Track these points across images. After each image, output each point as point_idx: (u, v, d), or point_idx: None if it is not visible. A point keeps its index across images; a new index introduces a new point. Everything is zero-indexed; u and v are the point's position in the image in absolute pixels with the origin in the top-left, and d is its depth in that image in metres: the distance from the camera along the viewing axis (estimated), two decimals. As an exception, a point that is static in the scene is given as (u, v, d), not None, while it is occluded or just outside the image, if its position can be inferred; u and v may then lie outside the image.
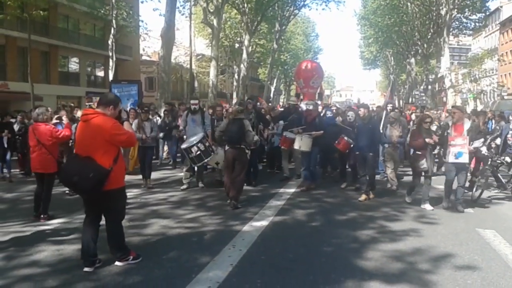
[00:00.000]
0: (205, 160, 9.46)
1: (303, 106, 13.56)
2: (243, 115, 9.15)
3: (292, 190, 10.18)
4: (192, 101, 10.94)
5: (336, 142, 10.15)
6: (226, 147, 8.91)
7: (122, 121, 7.43)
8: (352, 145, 9.89)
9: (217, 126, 10.19)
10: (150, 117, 11.72)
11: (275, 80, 31.38)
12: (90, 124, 5.15)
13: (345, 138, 10.01)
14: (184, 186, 10.20)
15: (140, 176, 10.68)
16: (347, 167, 11.01)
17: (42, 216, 7.43)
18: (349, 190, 10.22)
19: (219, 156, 9.59)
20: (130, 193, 9.45)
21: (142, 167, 10.67)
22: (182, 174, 10.58)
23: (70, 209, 8.03)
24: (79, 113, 10.44)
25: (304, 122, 10.56)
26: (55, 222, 7.25)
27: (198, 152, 9.25)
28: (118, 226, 5.41)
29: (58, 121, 8.52)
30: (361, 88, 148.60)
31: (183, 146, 9.69)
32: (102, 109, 5.26)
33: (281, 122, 12.08)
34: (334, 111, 13.53)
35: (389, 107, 11.90)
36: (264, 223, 7.28)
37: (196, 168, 10.32)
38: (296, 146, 10.23)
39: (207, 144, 9.44)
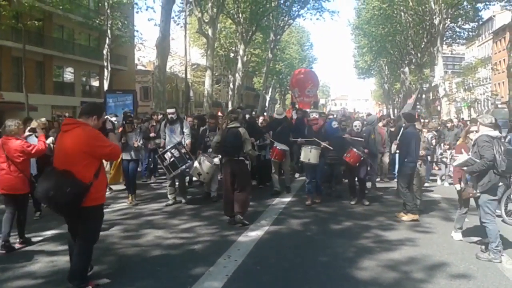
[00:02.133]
0: (180, 168, 8.93)
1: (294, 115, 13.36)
2: (238, 123, 8.33)
3: (287, 199, 10.15)
4: (168, 110, 10.11)
5: (345, 154, 9.56)
6: (223, 160, 8.28)
7: (107, 132, 7.28)
8: (362, 158, 9.46)
9: (209, 137, 9.91)
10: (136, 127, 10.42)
11: (270, 89, 31.43)
12: (70, 134, 4.77)
13: (355, 150, 9.45)
14: (170, 202, 9.54)
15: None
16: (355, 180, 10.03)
17: (18, 240, 6.60)
18: (345, 199, 10.18)
19: (204, 166, 9.21)
20: (124, 203, 9.47)
21: (127, 181, 9.95)
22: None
23: (64, 220, 7.97)
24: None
25: (308, 132, 9.90)
26: (49, 233, 7.20)
27: (172, 159, 8.86)
28: (88, 248, 4.92)
29: (30, 133, 7.46)
30: (356, 97, 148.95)
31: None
32: (84, 119, 4.89)
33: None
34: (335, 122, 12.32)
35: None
36: (259, 233, 7.26)
37: (177, 183, 9.63)
38: (303, 158, 9.50)
39: (182, 151, 9.00)
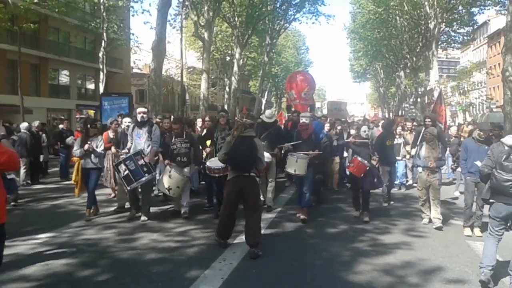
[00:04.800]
0: (135, 185, 7.93)
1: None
2: (253, 131, 6.93)
3: (283, 202, 10.13)
4: (138, 110, 8.62)
5: (349, 164, 8.77)
6: (230, 175, 6.67)
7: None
8: (368, 168, 8.45)
9: (175, 144, 8.50)
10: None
11: (266, 93, 31.44)
12: None
13: (359, 158, 8.47)
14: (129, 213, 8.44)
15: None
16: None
17: None
18: (341, 203, 10.19)
19: (173, 180, 7.99)
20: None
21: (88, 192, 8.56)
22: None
23: (58, 223, 7.97)
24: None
25: (297, 139, 8.71)
26: (43, 236, 7.16)
27: (126, 172, 7.78)
28: None
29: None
30: (352, 100, 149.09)
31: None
32: None
33: None
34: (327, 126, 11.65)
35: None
36: (254, 236, 7.23)
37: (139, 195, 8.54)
38: (289, 169, 8.39)
39: (140, 162, 7.83)
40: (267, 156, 8.38)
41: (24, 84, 24.73)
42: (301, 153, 8.28)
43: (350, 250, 6.63)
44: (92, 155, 8.26)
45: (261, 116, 10.03)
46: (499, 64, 57.23)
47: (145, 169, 7.89)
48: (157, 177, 9.48)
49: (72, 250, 6.47)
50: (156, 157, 8.88)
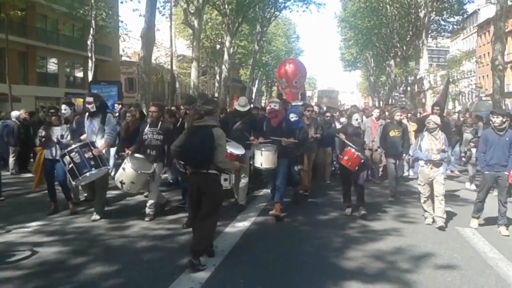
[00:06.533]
0: (80, 181, 7.21)
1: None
2: (213, 120, 5.70)
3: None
4: (87, 99, 7.73)
5: (341, 156, 7.85)
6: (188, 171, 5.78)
7: None
8: (363, 161, 7.71)
9: (147, 135, 7.61)
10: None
11: (256, 82, 31.40)
12: None
13: (353, 150, 7.65)
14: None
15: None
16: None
17: None
18: (332, 190, 10.23)
19: (127, 174, 7.12)
20: (109, 194, 9.31)
21: (50, 188, 7.98)
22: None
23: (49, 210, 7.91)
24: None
25: (266, 127, 7.91)
26: (34, 225, 7.12)
27: (71, 165, 7.00)
28: None
29: None
30: (342, 89, 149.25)
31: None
32: None
33: None
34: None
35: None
36: (246, 224, 7.27)
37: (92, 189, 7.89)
38: (256, 164, 7.66)
39: (87, 155, 7.06)
40: (236, 150, 7.63)
41: (12, 72, 24.46)
42: (269, 145, 7.53)
43: (341, 237, 6.68)
44: (57, 146, 7.71)
45: (234, 106, 9.13)
46: (488, 53, 57.57)
47: (92, 162, 7.07)
48: None
49: (63, 238, 6.45)
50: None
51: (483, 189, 7.27)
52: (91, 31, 30.83)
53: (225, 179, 6.50)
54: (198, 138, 5.34)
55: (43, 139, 7.79)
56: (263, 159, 7.47)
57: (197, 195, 5.48)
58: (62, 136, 7.73)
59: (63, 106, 9.27)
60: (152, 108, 7.81)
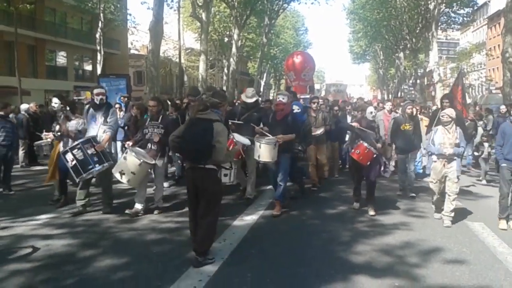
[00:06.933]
0: (85, 176, 6.94)
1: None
2: (216, 114, 5.41)
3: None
4: (96, 90, 7.48)
5: (353, 150, 7.55)
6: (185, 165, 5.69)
7: None
8: (375, 155, 7.38)
9: (147, 128, 7.55)
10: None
11: (265, 74, 31.37)
12: None
13: (365, 144, 7.33)
14: (75, 210, 7.38)
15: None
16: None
17: None
18: (340, 184, 10.21)
19: (128, 163, 6.90)
20: (118, 188, 9.35)
21: (62, 180, 7.98)
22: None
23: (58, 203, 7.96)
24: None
25: (272, 120, 7.62)
26: (44, 217, 7.18)
27: (74, 162, 6.81)
28: None
29: None
30: (351, 82, 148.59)
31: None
32: None
33: None
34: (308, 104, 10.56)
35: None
36: (254, 217, 7.28)
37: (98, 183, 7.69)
38: (255, 155, 7.39)
39: (90, 151, 6.85)
40: (242, 140, 7.47)
41: (21, 65, 24.53)
42: (271, 137, 7.23)
43: (349, 231, 6.67)
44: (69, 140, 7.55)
45: (242, 98, 8.89)
46: (498, 45, 56.98)
47: (95, 158, 6.88)
48: None
49: (72, 230, 6.50)
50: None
51: (503, 184, 6.95)
52: (100, 24, 30.86)
53: (225, 175, 6.48)
54: (198, 130, 5.13)
55: (59, 133, 7.74)
56: (262, 151, 7.20)
57: (194, 192, 5.27)
58: (79, 131, 7.55)
59: (54, 100, 8.98)
60: (151, 103, 7.66)
